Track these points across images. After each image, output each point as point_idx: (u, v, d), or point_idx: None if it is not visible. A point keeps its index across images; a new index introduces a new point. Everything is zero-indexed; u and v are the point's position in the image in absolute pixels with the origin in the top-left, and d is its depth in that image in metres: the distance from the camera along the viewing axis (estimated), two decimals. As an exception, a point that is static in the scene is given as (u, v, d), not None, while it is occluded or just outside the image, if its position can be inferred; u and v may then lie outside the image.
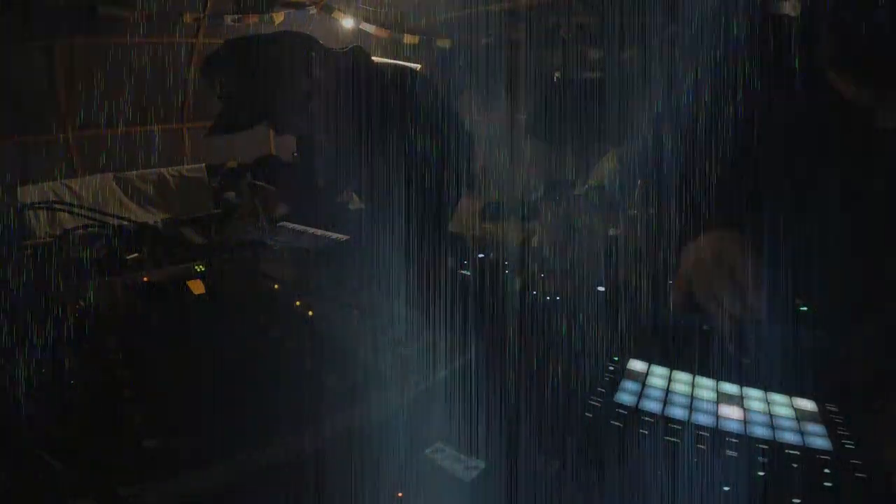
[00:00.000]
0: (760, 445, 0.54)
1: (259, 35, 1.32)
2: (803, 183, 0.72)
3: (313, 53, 1.33)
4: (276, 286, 0.89)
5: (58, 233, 1.09)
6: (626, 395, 0.62)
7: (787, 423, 0.58)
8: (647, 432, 0.56)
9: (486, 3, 5.24)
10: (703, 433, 0.55)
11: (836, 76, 0.68)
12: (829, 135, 0.69)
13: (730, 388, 0.64)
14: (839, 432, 0.56)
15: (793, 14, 0.65)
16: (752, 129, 0.72)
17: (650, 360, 0.69)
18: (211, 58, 1.30)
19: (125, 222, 1.12)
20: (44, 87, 4.37)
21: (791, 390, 0.63)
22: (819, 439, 0.55)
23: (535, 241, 1.43)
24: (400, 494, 0.49)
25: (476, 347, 0.71)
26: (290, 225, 1.46)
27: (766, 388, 0.64)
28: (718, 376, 0.66)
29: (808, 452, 0.53)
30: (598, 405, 0.60)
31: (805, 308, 0.76)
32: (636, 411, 0.59)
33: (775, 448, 0.54)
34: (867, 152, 0.68)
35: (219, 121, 1.31)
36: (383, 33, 5.80)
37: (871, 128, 0.68)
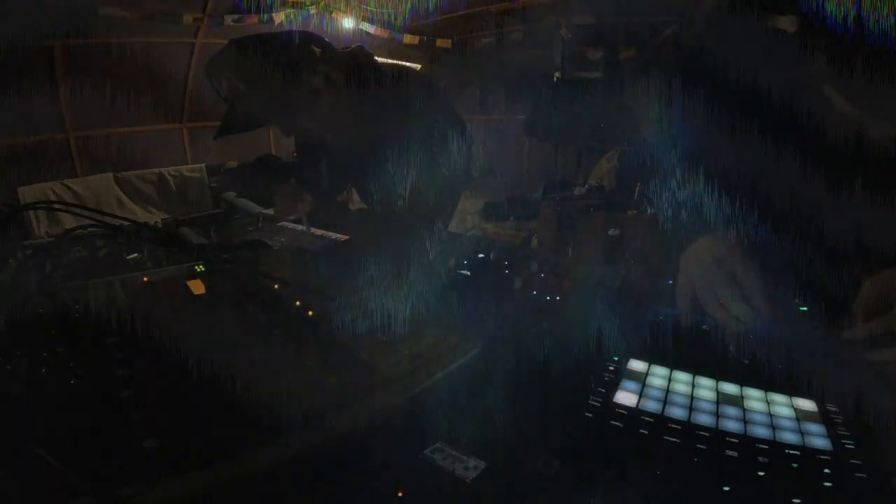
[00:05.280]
0: (760, 445, 0.54)
1: (267, 34, 1.29)
2: (796, 189, 0.72)
3: (322, 52, 1.32)
4: (275, 286, 0.89)
5: (58, 233, 1.09)
6: (626, 395, 0.62)
7: (787, 423, 0.58)
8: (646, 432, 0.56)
9: (486, 3, 5.24)
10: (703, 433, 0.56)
11: (831, 90, 0.69)
12: (823, 144, 0.70)
13: (730, 387, 0.64)
14: (839, 432, 0.56)
15: (791, 30, 0.65)
16: (750, 139, 0.73)
17: (650, 360, 0.69)
18: (216, 58, 1.28)
19: (125, 222, 1.12)
20: (44, 87, 4.36)
21: (791, 390, 0.63)
22: (819, 439, 0.55)
23: (534, 241, 1.43)
24: (400, 494, 0.49)
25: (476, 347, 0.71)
26: (290, 225, 1.46)
27: (767, 387, 0.64)
28: (718, 376, 0.66)
29: (808, 452, 0.53)
30: (598, 405, 0.60)
31: (805, 308, 0.76)
32: (636, 411, 0.59)
33: (775, 448, 0.54)
34: (859, 160, 0.69)
35: (226, 122, 1.30)
36: (383, 33, 5.79)
37: (863, 137, 0.69)
